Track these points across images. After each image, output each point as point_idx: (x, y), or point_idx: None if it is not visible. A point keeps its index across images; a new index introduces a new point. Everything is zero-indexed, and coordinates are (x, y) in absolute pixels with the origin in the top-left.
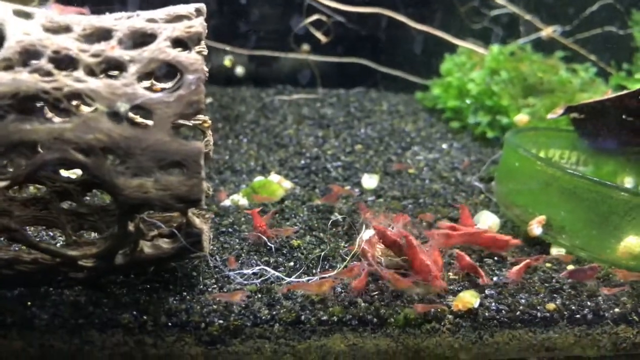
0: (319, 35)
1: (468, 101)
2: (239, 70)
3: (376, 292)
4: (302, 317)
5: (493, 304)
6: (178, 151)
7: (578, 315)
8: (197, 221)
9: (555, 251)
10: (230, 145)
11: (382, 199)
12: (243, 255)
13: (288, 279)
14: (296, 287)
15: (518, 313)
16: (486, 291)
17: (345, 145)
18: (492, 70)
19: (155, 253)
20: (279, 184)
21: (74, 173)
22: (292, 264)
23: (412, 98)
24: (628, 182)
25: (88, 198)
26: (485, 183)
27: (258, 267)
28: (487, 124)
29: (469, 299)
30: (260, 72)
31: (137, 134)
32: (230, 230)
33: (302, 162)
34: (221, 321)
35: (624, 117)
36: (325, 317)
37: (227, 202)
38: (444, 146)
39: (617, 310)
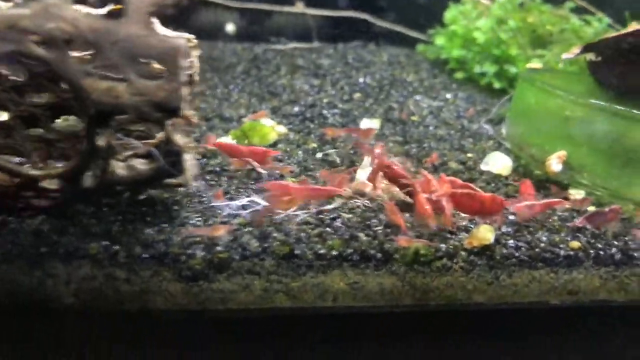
0: None
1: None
2: (230, 27)
3: (379, 227)
4: (297, 251)
5: (511, 241)
6: (154, 47)
7: (605, 255)
8: (178, 137)
9: (574, 193)
10: (219, 94)
11: (383, 143)
12: (232, 192)
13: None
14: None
15: (538, 251)
16: (503, 228)
17: (343, 94)
18: (499, 18)
19: (129, 175)
20: (271, 127)
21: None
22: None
23: (413, 52)
24: None
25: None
26: (494, 125)
27: (248, 199)
28: (494, 74)
29: (483, 234)
30: (253, 29)
31: (107, 25)
32: (217, 169)
33: (297, 109)
34: (204, 253)
35: None
36: (323, 251)
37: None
38: (448, 96)
39: None
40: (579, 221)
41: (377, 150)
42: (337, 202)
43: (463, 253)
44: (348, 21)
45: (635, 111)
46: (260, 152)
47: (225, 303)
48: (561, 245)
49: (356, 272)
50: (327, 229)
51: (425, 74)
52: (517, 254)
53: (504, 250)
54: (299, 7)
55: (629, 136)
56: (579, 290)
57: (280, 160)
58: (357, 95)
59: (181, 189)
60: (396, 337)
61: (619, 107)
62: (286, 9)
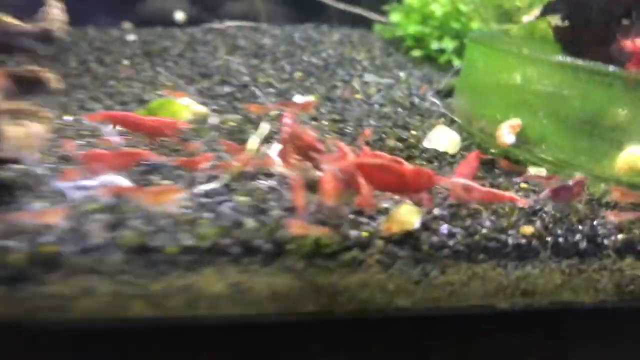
0: None
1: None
2: (179, 15)
3: (278, 211)
4: (155, 243)
5: (444, 226)
6: None
7: (567, 244)
8: None
9: (533, 171)
10: (145, 78)
11: (317, 122)
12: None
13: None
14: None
15: (479, 238)
16: (435, 210)
17: (282, 73)
18: None
19: None
20: (185, 106)
21: None
22: (168, 182)
23: (370, 33)
24: (622, 115)
25: None
26: (442, 99)
27: (102, 178)
28: (453, 50)
29: (405, 216)
30: (204, 18)
31: None
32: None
33: (227, 89)
34: (29, 247)
35: (622, 21)
36: (190, 242)
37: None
38: (401, 74)
39: (621, 236)
40: (541, 195)
41: (287, 120)
42: (221, 181)
43: (379, 242)
44: (302, 3)
45: (602, 66)
46: (166, 124)
47: (64, 312)
48: (510, 232)
49: (238, 269)
50: (207, 214)
51: (379, 52)
52: (451, 243)
53: (434, 239)
54: None
55: (597, 99)
56: (534, 289)
57: (186, 140)
58: (298, 75)
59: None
60: (294, 354)
61: (583, 62)
62: None
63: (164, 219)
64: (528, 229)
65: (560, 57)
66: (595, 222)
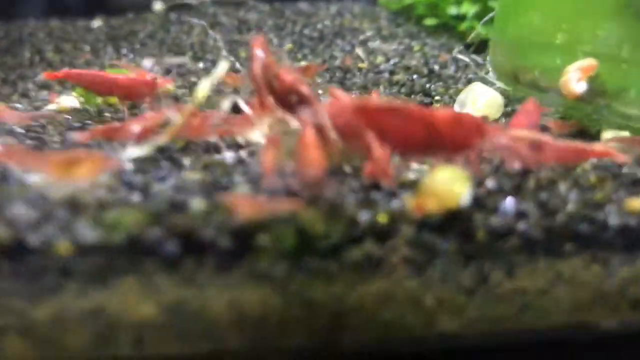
0: None
1: None
2: (157, 5)
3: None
4: (32, 239)
5: (509, 201)
6: None
7: None
8: None
9: (609, 136)
10: (106, 61)
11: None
12: None
13: None
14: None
15: (563, 219)
16: (492, 182)
17: (269, 47)
18: None
19: None
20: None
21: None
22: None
23: (374, 6)
24: None
25: None
26: (471, 55)
27: None
28: (474, 15)
29: (446, 185)
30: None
31: None
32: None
33: (201, 65)
34: None
35: None
36: (98, 236)
37: (52, 107)
38: (414, 44)
39: None
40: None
41: (258, 51)
42: (150, 146)
43: (407, 228)
44: None
45: None
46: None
47: None
48: (610, 207)
49: (175, 279)
50: (131, 194)
51: (386, 23)
52: (521, 227)
53: (495, 220)
54: None
55: None
56: None
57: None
58: (288, 46)
59: None
60: None
61: None
62: None
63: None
64: (638, 203)
65: None
66: None
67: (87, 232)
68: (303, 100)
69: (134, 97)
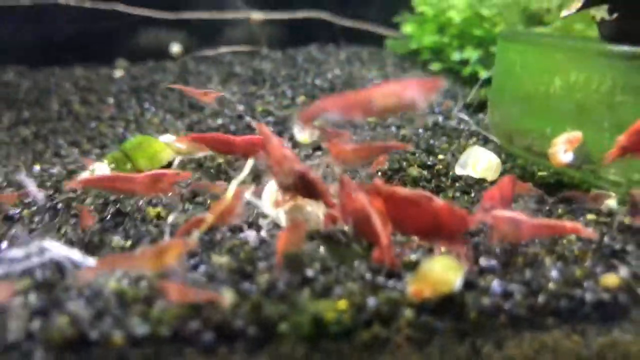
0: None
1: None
2: (175, 48)
3: (267, 272)
4: (92, 334)
5: (495, 282)
6: None
7: None
8: None
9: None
10: (131, 116)
11: (322, 153)
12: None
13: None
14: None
15: (547, 298)
16: (481, 261)
17: (283, 99)
18: None
19: None
20: (168, 144)
21: None
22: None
23: (381, 49)
24: None
25: None
26: (472, 114)
27: (39, 245)
28: (477, 60)
29: (441, 275)
30: (203, 48)
31: None
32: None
33: (220, 122)
34: None
35: None
36: (142, 331)
37: (85, 175)
38: None
39: None
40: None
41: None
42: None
43: (409, 311)
44: (305, 23)
45: None
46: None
47: None
48: (587, 284)
49: None
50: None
51: (392, 69)
52: (507, 306)
53: (485, 301)
54: (256, 16)
55: None
56: None
57: None
58: (300, 99)
59: None
60: None
61: None
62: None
63: (111, 299)
64: (611, 279)
65: (628, 48)
66: None
67: (137, 326)
68: (313, 189)
69: (249, 154)
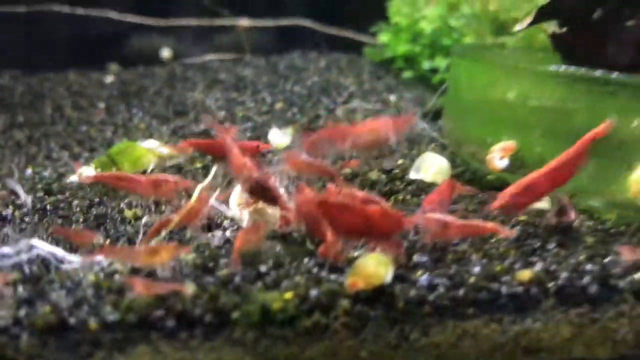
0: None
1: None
2: (166, 52)
3: (225, 270)
4: (72, 320)
5: (424, 277)
6: None
7: (575, 289)
8: None
9: None
10: (120, 121)
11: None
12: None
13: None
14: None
15: (467, 290)
16: (415, 257)
17: (262, 105)
18: (450, 5)
19: None
20: (152, 150)
21: None
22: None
23: (359, 56)
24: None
25: None
26: (431, 121)
27: (26, 243)
28: (446, 69)
29: (373, 269)
30: (192, 53)
31: None
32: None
33: (202, 127)
34: None
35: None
36: (113, 317)
37: (74, 178)
38: (392, 98)
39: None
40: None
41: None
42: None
43: (345, 302)
44: (290, 31)
45: (603, 73)
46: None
47: None
48: (504, 278)
49: (174, 346)
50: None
51: (368, 76)
52: (432, 298)
53: (412, 293)
54: (243, 23)
55: (601, 111)
56: (540, 346)
57: None
58: (279, 106)
59: None
60: None
61: (581, 70)
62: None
63: (88, 289)
64: (525, 274)
65: (555, 67)
66: (605, 260)
67: (110, 314)
68: (268, 194)
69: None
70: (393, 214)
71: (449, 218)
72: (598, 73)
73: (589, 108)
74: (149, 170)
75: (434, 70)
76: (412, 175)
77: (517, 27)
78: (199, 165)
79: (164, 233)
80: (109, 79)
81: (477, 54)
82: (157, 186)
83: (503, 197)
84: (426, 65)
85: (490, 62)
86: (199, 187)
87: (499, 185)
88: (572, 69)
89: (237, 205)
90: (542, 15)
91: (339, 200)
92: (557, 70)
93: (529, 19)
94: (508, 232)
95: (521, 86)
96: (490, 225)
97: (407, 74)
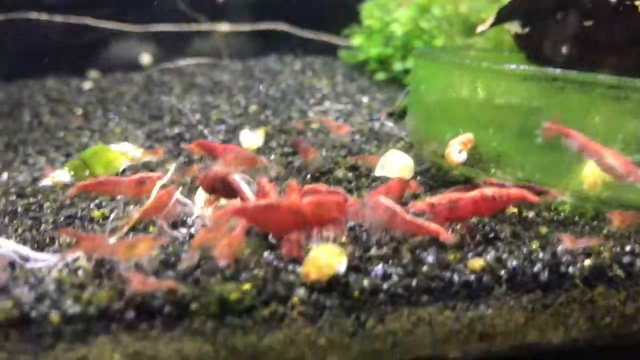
0: None
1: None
2: (145, 58)
3: (187, 265)
4: (34, 314)
5: (379, 267)
6: None
7: (525, 275)
8: None
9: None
10: (96, 126)
11: (266, 157)
12: None
13: (42, 257)
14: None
15: (421, 279)
16: (372, 250)
17: (237, 108)
18: (421, 7)
19: None
20: (120, 153)
21: None
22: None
23: (334, 59)
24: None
25: None
26: (397, 120)
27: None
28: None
29: (326, 259)
30: (171, 58)
31: None
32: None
33: (176, 130)
34: None
35: (584, 24)
36: (75, 310)
37: (47, 182)
38: (364, 99)
39: (588, 262)
40: None
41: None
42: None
43: (301, 291)
44: (266, 35)
45: (555, 71)
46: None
47: None
48: (457, 267)
49: (136, 336)
50: (101, 279)
51: (341, 78)
52: (385, 286)
53: (366, 282)
54: (221, 28)
55: (552, 107)
56: (494, 332)
57: None
58: (253, 109)
59: None
60: None
61: (532, 68)
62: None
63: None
64: (477, 262)
65: (508, 65)
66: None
67: (71, 307)
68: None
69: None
70: (332, 200)
71: (398, 208)
72: (546, 70)
73: (540, 104)
74: (120, 172)
75: (407, 72)
76: (378, 172)
77: (480, 28)
78: (169, 167)
79: (125, 229)
80: (88, 85)
81: (435, 55)
82: (142, 184)
83: (424, 204)
84: (398, 66)
85: (446, 62)
86: (158, 183)
87: (463, 180)
88: (523, 67)
89: (203, 203)
90: (502, 16)
91: (259, 203)
92: (508, 69)
93: (491, 20)
94: (448, 237)
95: (476, 84)
96: (433, 226)
97: (380, 76)
